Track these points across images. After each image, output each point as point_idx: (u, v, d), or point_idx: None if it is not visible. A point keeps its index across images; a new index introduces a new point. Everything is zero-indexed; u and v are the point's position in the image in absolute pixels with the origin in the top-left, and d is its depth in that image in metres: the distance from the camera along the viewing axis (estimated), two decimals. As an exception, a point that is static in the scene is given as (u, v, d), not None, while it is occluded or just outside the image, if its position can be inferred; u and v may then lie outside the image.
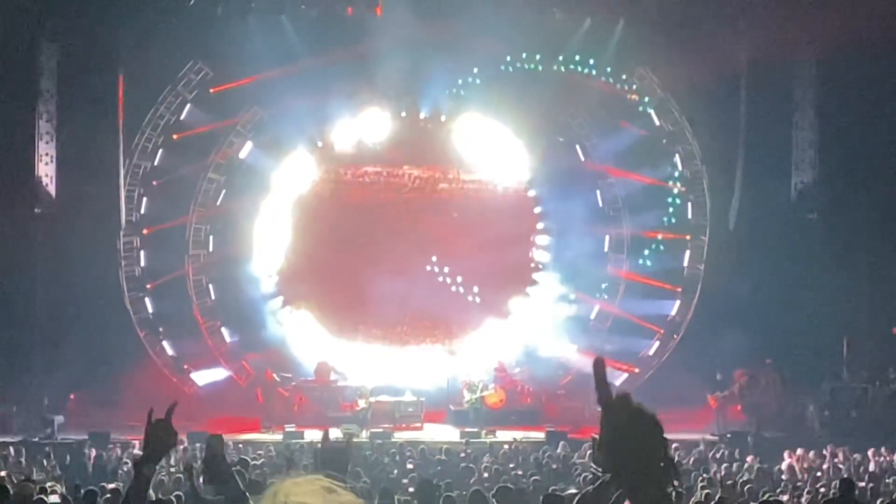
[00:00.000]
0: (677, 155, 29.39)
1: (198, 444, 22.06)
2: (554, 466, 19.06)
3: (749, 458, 20.02)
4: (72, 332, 26.33)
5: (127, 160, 27.97)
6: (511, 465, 19.38)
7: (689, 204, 29.51)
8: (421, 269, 29.20)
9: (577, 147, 29.92)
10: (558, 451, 20.92)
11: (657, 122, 29.47)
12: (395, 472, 18.53)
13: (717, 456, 21.15)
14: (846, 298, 27.10)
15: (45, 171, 27.35)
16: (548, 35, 28.51)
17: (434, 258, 29.51)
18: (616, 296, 29.99)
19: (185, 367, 28.58)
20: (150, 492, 4.14)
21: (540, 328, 29.66)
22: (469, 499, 10.82)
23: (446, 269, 29.56)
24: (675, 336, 29.41)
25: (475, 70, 29.05)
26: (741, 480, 16.70)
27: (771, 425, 25.81)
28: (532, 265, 30.21)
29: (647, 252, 29.82)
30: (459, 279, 29.59)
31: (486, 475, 17.75)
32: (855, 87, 26.71)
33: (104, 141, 27.00)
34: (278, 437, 24.27)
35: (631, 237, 29.93)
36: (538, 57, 28.91)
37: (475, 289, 29.72)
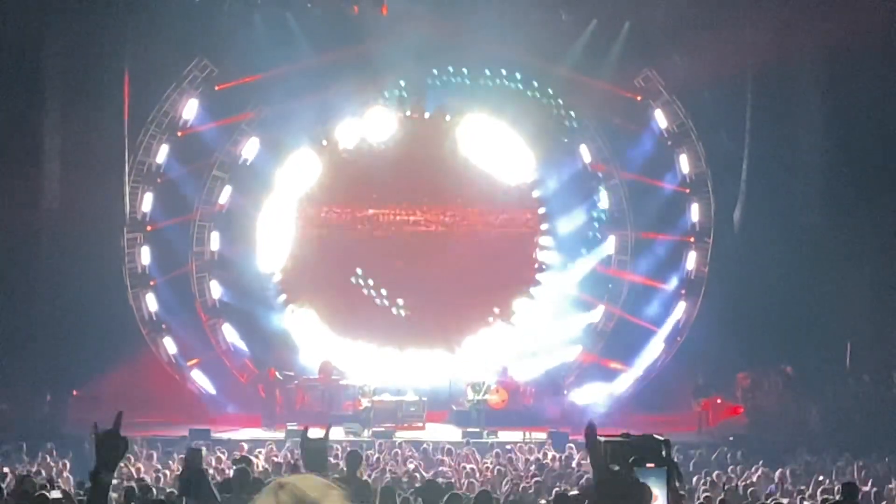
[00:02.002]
0: (682, 156, 29.33)
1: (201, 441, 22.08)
2: (556, 467, 19.04)
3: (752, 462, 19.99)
4: (74, 329, 26.30)
5: (131, 157, 27.94)
6: (513, 467, 19.36)
7: (694, 206, 29.46)
8: (423, 267, 29.17)
9: (582, 148, 29.89)
10: (564, 452, 20.92)
11: (662, 124, 29.42)
12: (397, 471, 18.50)
13: (720, 459, 21.13)
14: (850, 302, 27.04)
15: (50, 167, 27.31)
16: (554, 36, 28.46)
17: (436, 257, 29.48)
18: (620, 297, 29.96)
19: (188, 364, 28.56)
20: (112, 497, 4.30)
21: (543, 329, 29.63)
22: (476, 499, 10.81)
23: (448, 269, 29.52)
24: (678, 338, 29.36)
25: (481, 70, 29.00)
26: (743, 483, 16.68)
27: (773, 428, 25.76)
28: (535, 266, 30.18)
29: (651, 254, 29.77)
30: (462, 280, 29.53)
31: (489, 475, 17.76)
32: (861, 89, 26.64)
33: (109, 137, 26.96)
34: (280, 435, 24.24)
35: (635, 239, 29.89)
36: (544, 55, 28.83)
37: (477, 289, 29.67)
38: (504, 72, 29.10)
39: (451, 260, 29.24)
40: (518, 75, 29.28)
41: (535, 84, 29.31)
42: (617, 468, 3.46)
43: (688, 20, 27.44)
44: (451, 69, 29.15)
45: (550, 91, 29.38)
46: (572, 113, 29.75)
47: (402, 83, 29.14)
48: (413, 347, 29.65)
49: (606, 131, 29.67)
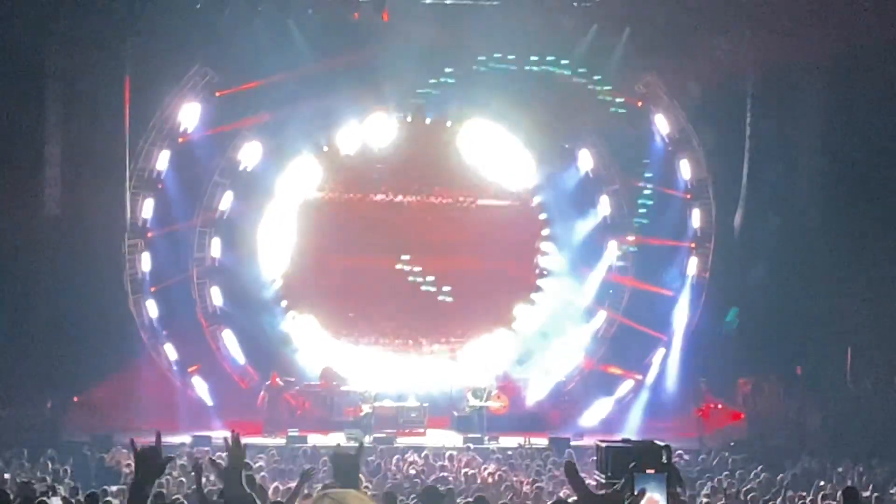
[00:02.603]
0: (683, 162, 29.31)
1: (205, 448, 22.09)
2: (556, 473, 19.03)
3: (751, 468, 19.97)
4: (75, 335, 26.30)
5: (132, 163, 27.94)
6: (513, 473, 19.36)
7: (696, 211, 29.44)
8: (424, 271, 29.18)
9: (583, 153, 29.88)
10: (564, 457, 20.91)
11: (663, 130, 29.41)
12: (398, 476, 18.51)
13: (720, 464, 21.11)
14: (851, 307, 27.02)
15: (51, 173, 27.32)
16: (555, 41, 28.48)
17: (436, 262, 29.52)
18: (621, 303, 29.94)
19: (189, 370, 28.56)
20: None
21: (544, 335, 29.62)
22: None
23: (448, 274, 29.56)
24: (679, 344, 29.30)
25: (481, 76, 29.00)
26: (744, 489, 16.67)
27: (774, 434, 25.74)
28: (536, 272, 30.18)
29: (652, 259, 29.75)
30: (463, 285, 29.55)
31: (490, 481, 17.77)
32: (861, 93, 26.64)
33: (110, 144, 26.96)
34: (281, 441, 24.24)
35: (636, 244, 29.87)
36: (544, 61, 28.83)
37: (478, 294, 29.69)
38: (504, 77, 28.77)
39: (451, 265, 29.26)
40: (518, 80, 28.93)
41: (536, 89, 29.04)
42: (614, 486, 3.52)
43: (689, 25, 27.43)
44: (452, 76, 29.09)
45: (551, 96, 29.05)
46: (573, 118, 29.58)
47: (403, 89, 29.12)
48: (414, 353, 29.68)
49: (607, 136, 29.66)
